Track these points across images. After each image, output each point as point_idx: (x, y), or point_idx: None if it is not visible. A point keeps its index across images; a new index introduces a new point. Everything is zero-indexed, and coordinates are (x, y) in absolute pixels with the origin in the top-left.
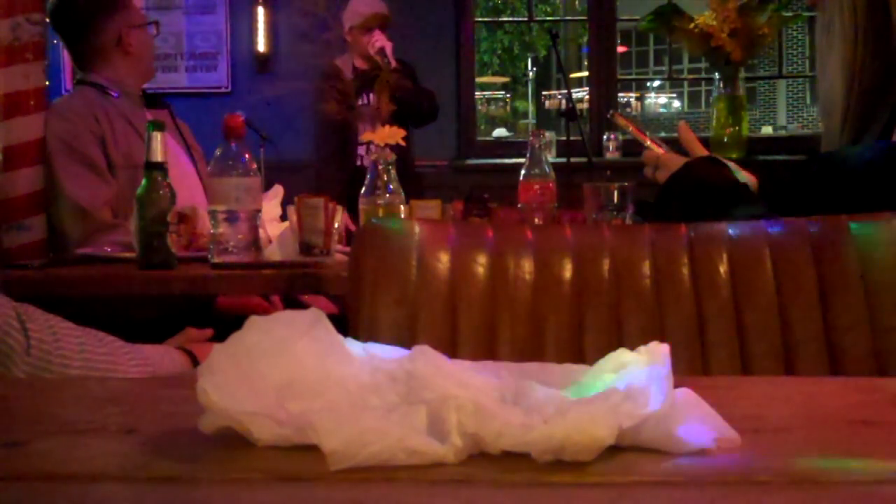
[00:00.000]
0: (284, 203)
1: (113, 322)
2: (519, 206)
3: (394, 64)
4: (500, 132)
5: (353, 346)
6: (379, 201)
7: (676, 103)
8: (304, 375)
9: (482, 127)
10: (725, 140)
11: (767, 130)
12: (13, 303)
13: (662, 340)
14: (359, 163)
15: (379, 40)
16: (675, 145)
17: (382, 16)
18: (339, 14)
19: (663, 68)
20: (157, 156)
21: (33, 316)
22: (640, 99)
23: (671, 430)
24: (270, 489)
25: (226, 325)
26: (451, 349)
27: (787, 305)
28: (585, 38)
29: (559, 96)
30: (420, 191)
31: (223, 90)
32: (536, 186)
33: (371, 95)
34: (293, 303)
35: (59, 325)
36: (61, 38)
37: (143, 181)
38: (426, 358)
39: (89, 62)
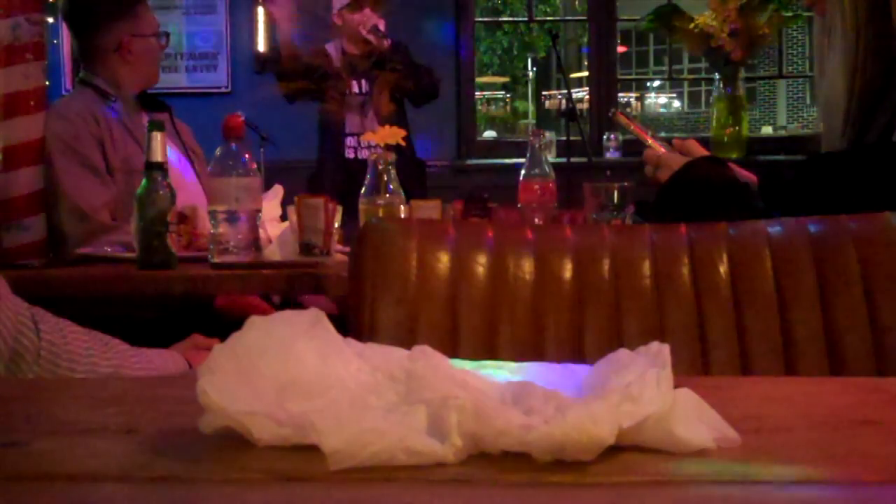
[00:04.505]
0: (284, 203)
1: (113, 322)
2: (519, 206)
3: (388, 42)
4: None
5: (353, 346)
6: (379, 201)
7: (676, 103)
8: (304, 375)
9: (481, 126)
10: (725, 140)
11: (767, 130)
12: (27, 304)
13: (662, 340)
14: (350, 155)
15: (371, 18)
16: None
17: None
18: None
19: (663, 68)
20: (158, 156)
21: (45, 318)
22: (640, 99)
23: (671, 430)
24: (270, 489)
25: (226, 325)
26: (451, 349)
27: (787, 305)
28: (585, 38)
29: (559, 96)
30: (424, 184)
31: (223, 90)
32: (536, 186)
33: (363, 83)
34: (291, 304)
35: (68, 329)
36: (70, 32)
37: (143, 181)
38: (426, 358)
39: (90, 61)
